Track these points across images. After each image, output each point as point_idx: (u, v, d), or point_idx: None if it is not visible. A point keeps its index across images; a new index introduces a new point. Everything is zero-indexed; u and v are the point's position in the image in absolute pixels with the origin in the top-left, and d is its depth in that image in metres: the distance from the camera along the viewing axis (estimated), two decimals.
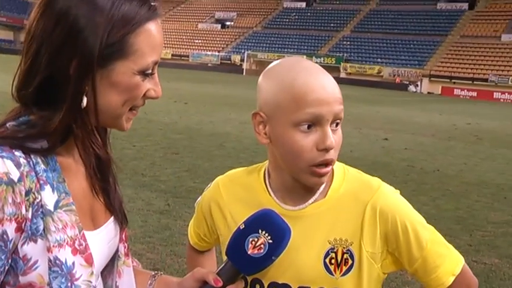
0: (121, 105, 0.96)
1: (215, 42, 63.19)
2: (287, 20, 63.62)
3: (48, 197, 0.91)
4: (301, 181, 1.11)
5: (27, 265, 0.88)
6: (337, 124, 1.09)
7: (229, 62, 58.77)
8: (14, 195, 0.86)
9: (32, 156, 0.90)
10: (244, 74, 52.07)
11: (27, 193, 0.88)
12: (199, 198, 1.32)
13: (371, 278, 1.15)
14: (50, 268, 0.89)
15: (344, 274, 1.13)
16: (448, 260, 1.15)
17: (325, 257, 1.13)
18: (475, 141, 13.67)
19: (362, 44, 55.99)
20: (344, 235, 1.13)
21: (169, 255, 4.25)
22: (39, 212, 0.89)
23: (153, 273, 1.16)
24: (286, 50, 55.51)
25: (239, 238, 1.03)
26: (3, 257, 0.86)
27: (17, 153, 0.88)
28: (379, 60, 52.54)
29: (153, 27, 0.95)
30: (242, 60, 56.34)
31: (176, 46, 63.01)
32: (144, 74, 0.95)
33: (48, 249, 0.89)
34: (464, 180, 8.46)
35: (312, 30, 60.36)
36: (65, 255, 0.91)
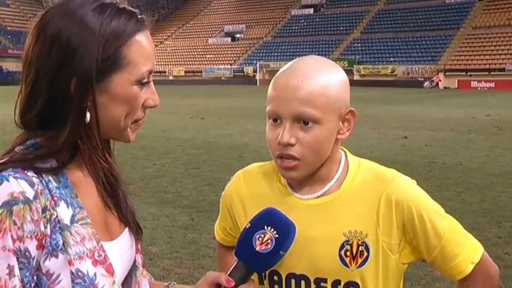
0: (123, 118, 0.99)
1: (227, 55, 63.53)
2: (296, 28, 63.78)
3: (64, 212, 0.93)
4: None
5: (50, 280, 0.91)
6: (305, 123, 1.10)
7: (242, 74, 58.97)
8: (32, 213, 0.88)
9: (44, 175, 0.93)
10: (258, 84, 52.16)
11: (44, 210, 0.90)
12: (223, 192, 1.36)
13: (388, 268, 1.16)
14: (73, 281, 0.92)
15: (359, 266, 1.15)
16: (467, 248, 1.16)
17: (340, 250, 1.15)
18: (497, 132, 13.48)
19: (373, 45, 55.81)
20: (359, 227, 1.15)
21: (197, 269, 4.27)
22: (57, 228, 0.92)
23: (166, 284, 1.19)
24: (297, 57, 54.09)
25: (246, 236, 1.07)
26: (27, 274, 0.88)
27: (29, 173, 0.91)
28: (391, 59, 52.23)
29: (142, 38, 0.99)
30: (255, 71, 56.52)
31: (188, 63, 63.52)
32: (141, 83, 0.99)
33: (70, 263, 0.92)
34: (488, 172, 8.34)
35: (321, 35, 60.38)
36: (86, 266, 0.93)
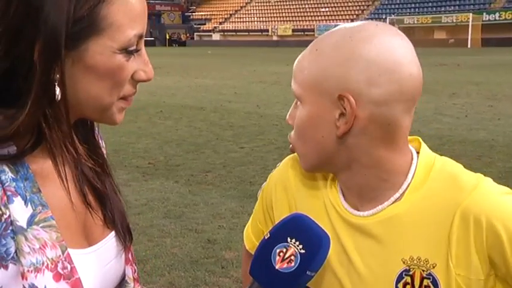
0: (107, 94, 0.97)
1: (347, 8, 62.79)
2: None
3: (19, 212, 0.93)
4: None
5: None
6: (296, 103, 1.15)
7: None
8: None
9: None
10: None
11: None
12: (263, 184, 1.35)
13: None
14: None
15: None
16: None
17: (398, 281, 1.09)
18: None
19: None
20: (424, 253, 1.08)
21: None
22: (8, 231, 0.91)
23: None
24: (443, 8, 53.52)
25: (264, 250, 1.04)
26: None
27: None
28: None
29: None
30: None
31: (298, 19, 63.53)
32: (127, 51, 0.96)
33: (22, 276, 0.91)
34: None
35: None
36: (44, 281, 0.93)
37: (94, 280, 1.01)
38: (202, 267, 4.60)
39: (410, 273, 1.08)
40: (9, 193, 0.92)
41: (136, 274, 1.16)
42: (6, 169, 0.93)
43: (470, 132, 10.22)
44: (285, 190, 1.27)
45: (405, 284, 1.09)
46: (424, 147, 1.16)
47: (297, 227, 1.04)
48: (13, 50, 0.92)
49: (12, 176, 0.94)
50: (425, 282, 1.07)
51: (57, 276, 0.94)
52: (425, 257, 1.08)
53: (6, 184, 0.92)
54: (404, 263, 1.09)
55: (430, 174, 1.11)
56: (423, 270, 1.08)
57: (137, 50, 0.99)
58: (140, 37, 0.99)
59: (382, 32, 1.06)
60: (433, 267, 1.07)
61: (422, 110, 12.45)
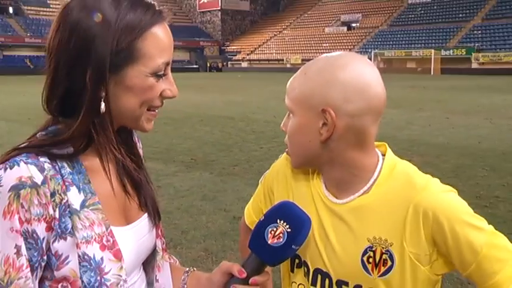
0: (138, 107, 0.97)
1: (342, 44, 62.34)
2: (413, 16, 60.64)
3: (74, 198, 0.93)
4: None
5: (59, 260, 0.92)
6: (289, 114, 1.11)
7: None
8: (39, 197, 0.89)
9: (58, 161, 0.94)
10: None
11: (53, 195, 0.90)
12: (265, 172, 1.31)
13: (417, 280, 1.03)
14: (79, 263, 0.92)
15: (382, 275, 1.04)
16: (509, 264, 0.99)
17: (363, 255, 1.06)
18: None
19: (496, 32, 51.35)
20: (384, 235, 1.04)
21: None
22: (66, 212, 0.92)
23: (186, 269, 1.17)
24: (413, 45, 52.96)
25: (259, 229, 1.02)
26: (35, 254, 0.90)
27: (42, 159, 0.92)
28: None
29: (159, 31, 0.95)
30: (369, 59, 54.58)
31: (305, 51, 63.21)
32: (157, 75, 0.96)
33: (77, 246, 0.92)
34: None
35: (439, 23, 56.78)
36: (93, 250, 0.93)
37: (131, 250, 1.01)
38: (229, 237, 4.57)
39: (373, 249, 1.05)
40: (67, 183, 0.93)
41: (164, 245, 1.14)
42: (66, 165, 0.94)
43: (432, 137, 10.05)
44: (285, 177, 1.23)
45: (368, 257, 1.06)
46: (389, 152, 1.13)
47: (285, 212, 1.03)
48: (71, 74, 0.93)
49: (70, 170, 0.95)
50: (384, 256, 1.04)
51: (103, 247, 0.94)
52: (385, 237, 1.05)
53: (65, 176, 0.93)
54: (368, 241, 1.06)
55: (392, 174, 1.08)
56: (383, 248, 1.05)
57: (164, 74, 0.98)
58: (167, 64, 0.98)
59: (355, 61, 1.04)
60: (391, 245, 1.04)
61: (397, 120, 12.30)
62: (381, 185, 1.07)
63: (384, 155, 1.12)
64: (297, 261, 1.17)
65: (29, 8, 62.96)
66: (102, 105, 0.93)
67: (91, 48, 0.91)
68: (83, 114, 0.93)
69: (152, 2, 0.97)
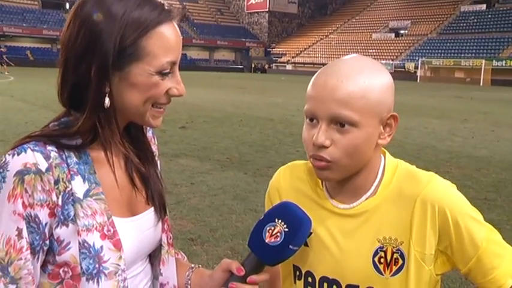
0: (142, 104, 0.98)
1: (389, 51, 61.36)
2: (464, 25, 59.03)
3: (78, 186, 0.96)
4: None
5: (60, 246, 0.95)
6: (342, 125, 1.01)
7: (403, 69, 56.30)
8: (43, 184, 0.92)
9: (66, 151, 0.97)
10: (418, 81, 49.51)
11: (56, 182, 0.93)
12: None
13: (421, 280, 1.05)
14: (79, 250, 0.94)
15: (394, 274, 1.05)
16: (506, 260, 1.01)
17: (374, 256, 1.06)
18: None
19: None
20: (393, 234, 1.06)
21: None
22: (70, 200, 0.95)
23: (192, 265, 1.18)
24: (463, 55, 51.46)
25: (258, 228, 1.03)
26: (37, 238, 0.93)
27: (50, 147, 0.95)
28: None
29: (165, 30, 0.96)
30: (416, 67, 53.68)
31: None
32: (162, 73, 0.97)
33: (78, 233, 0.94)
34: None
35: (492, 33, 55.04)
36: (93, 239, 0.95)
37: (132, 241, 1.02)
38: None
39: (384, 249, 1.06)
40: (72, 173, 0.96)
41: (171, 240, 1.16)
42: (73, 155, 0.97)
43: (475, 150, 9.73)
44: (278, 193, 1.22)
45: (380, 258, 1.06)
46: (387, 153, 1.14)
47: (284, 211, 1.03)
48: (78, 69, 0.95)
49: (76, 160, 0.97)
50: (395, 255, 1.05)
51: (103, 236, 0.96)
52: (395, 236, 1.06)
53: (71, 166, 0.96)
54: (379, 242, 1.07)
55: (396, 173, 1.09)
56: (393, 247, 1.06)
57: (170, 73, 0.99)
58: (174, 63, 0.99)
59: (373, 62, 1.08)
60: (401, 244, 1.05)
61: (439, 131, 12.00)
62: (386, 185, 1.09)
63: (383, 155, 1.14)
64: (297, 273, 1.17)
65: None
66: (107, 100, 0.96)
67: (97, 44, 0.93)
68: (88, 109, 0.96)
69: (162, 1, 0.99)
